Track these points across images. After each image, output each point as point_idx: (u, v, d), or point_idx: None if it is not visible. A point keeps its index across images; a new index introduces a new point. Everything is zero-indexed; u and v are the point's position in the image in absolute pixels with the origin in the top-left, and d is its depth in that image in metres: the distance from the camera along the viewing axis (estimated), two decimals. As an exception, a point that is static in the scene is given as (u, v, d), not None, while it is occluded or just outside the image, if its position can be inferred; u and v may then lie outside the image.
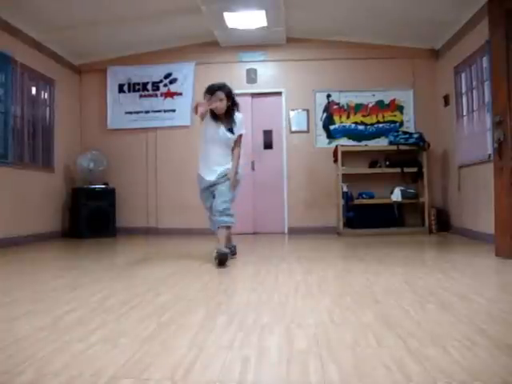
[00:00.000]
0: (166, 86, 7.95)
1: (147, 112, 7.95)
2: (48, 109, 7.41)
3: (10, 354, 1.81)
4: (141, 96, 8.02)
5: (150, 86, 8.00)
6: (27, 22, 6.49)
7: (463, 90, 6.74)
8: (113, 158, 7.88)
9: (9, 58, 6.27)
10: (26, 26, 6.54)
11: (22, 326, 2.23)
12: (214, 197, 4.37)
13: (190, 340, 1.97)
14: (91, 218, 7.33)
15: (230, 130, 4.34)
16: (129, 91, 8.07)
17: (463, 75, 6.73)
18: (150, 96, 7.96)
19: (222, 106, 4.28)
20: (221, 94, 4.25)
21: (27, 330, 2.15)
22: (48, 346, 1.91)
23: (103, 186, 7.56)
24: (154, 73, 7.99)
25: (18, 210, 6.38)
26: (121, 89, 8.10)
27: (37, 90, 7.12)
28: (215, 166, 4.37)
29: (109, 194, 7.56)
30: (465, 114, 6.70)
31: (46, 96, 7.37)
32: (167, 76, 7.94)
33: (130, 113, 8.03)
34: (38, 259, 5.05)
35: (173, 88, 7.91)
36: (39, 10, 6.19)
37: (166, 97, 7.95)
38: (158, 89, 7.94)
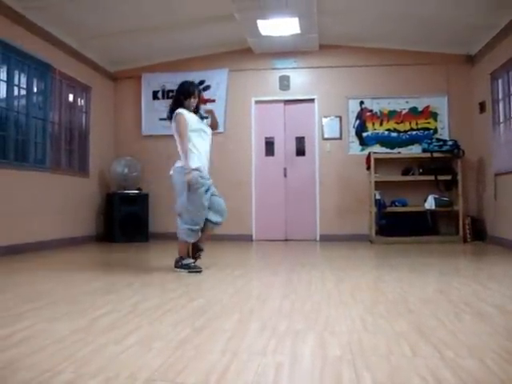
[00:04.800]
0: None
1: (181, 118, 8.05)
2: (84, 115, 7.59)
3: (51, 354, 1.86)
4: (174, 103, 8.12)
5: (183, 93, 8.09)
6: (66, 32, 6.69)
7: (500, 97, 6.61)
8: (146, 164, 7.99)
9: (48, 67, 6.46)
10: (64, 35, 6.73)
11: (60, 327, 2.29)
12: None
13: (224, 345, 1.98)
14: (125, 222, 7.44)
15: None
16: (163, 98, 8.19)
17: (500, 81, 6.60)
18: (184, 103, 8.05)
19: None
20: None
21: (65, 331, 2.20)
22: (85, 347, 1.96)
23: (137, 192, 7.67)
24: (188, 80, 8.06)
25: (54, 213, 6.53)
26: (155, 95, 8.23)
27: (74, 97, 7.30)
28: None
29: (142, 200, 7.67)
30: (502, 120, 6.57)
31: (82, 103, 7.55)
32: (201, 83, 8.02)
33: (164, 119, 8.08)
34: (72, 262, 5.16)
35: (206, 95, 7.97)
36: (78, 19, 6.37)
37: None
38: (191, 96, 8.02)
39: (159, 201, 7.98)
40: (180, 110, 4.20)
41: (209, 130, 4.39)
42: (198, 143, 4.22)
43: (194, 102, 4.31)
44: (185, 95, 4.31)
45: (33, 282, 3.71)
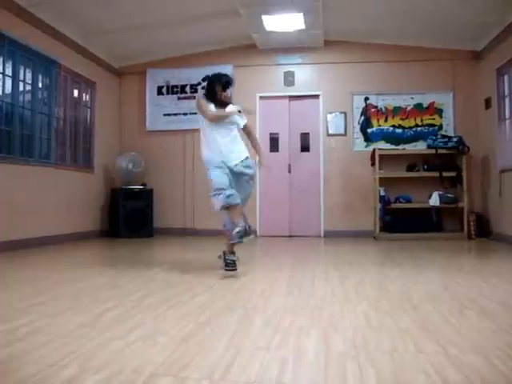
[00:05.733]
0: (203, 88, 8.02)
1: (185, 114, 8.05)
2: (89, 111, 7.60)
3: (56, 348, 1.87)
4: (179, 98, 8.13)
5: (188, 89, 8.10)
6: (71, 27, 6.69)
7: (506, 93, 6.57)
8: (151, 159, 8.00)
9: (53, 62, 6.46)
10: (70, 30, 6.73)
11: (64, 321, 2.30)
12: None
13: (228, 340, 1.99)
14: (129, 217, 7.45)
15: None
16: (167, 93, 8.19)
17: (506, 77, 6.56)
18: (188, 98, 8.05)
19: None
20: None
21: (70, 325, 2.21)
22: (90, 342, 1.96)
23: (141, 187, 7.68)
24: (192, 75, 8.08)
25: (59, 209, 6.54)
26: (159, 91, 8.23)
27: (78, 93, 7.31)
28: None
29: (146, 195, 7.67)
30: (507, 117, 6.54)
31: (87, 98, 7.55)
32: (205, 78, 8.00)
33: (169, 115, 8.15)
34: (77, 257, 5.18)
35: (211, 91, 7.96)
36: (83, 15, 6.37)
37: (203, 99, 8.03)
38: (196, 91, 8.02)
39: (163, 196, 8.00)
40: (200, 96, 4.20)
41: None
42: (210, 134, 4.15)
43: (228, 93, 4.23)
44: (224, 85, 4.24)
45: (37, 277, 3.73)
